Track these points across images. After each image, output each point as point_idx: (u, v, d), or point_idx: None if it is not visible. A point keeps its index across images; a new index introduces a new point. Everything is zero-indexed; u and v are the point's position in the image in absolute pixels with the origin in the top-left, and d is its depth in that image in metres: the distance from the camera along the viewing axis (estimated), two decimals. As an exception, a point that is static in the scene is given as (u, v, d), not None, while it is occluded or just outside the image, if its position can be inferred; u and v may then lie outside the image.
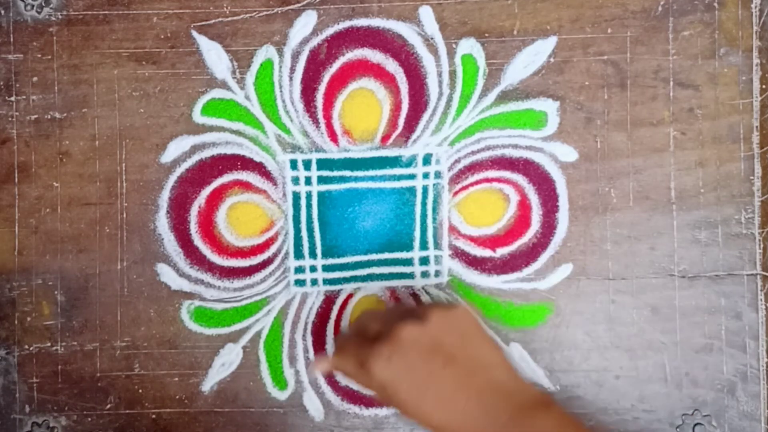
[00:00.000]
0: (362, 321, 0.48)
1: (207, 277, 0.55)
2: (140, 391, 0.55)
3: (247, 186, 0.55)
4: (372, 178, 0.55)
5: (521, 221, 0.55)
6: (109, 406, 0.55)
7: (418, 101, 0.55)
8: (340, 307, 0.55)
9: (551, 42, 0.54)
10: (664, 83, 0.54)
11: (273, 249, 0.55)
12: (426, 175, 0.55)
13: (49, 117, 0.54)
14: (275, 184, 0.55)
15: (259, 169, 0.55)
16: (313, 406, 0.55)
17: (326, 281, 0.55)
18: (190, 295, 0.55)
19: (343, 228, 0.55)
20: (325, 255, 0.55)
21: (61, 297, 0.54)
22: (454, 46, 0.55)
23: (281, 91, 0.55)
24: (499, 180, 0.55)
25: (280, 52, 0.55)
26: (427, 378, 0.42)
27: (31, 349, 0.55)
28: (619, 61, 0.54)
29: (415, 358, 0.43)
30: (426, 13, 0.54)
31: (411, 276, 0.55)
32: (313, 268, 0.55)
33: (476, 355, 0.44)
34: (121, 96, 0.54)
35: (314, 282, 0.55)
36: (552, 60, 0.55)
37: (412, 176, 0.55)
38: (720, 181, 0.54)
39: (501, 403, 0.42)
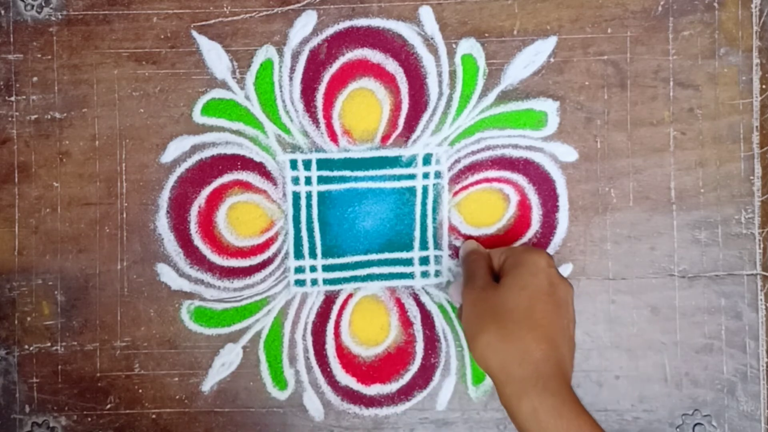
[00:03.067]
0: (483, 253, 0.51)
1: (207, 277, 0.55)
2: (140, 391, 0.55)
3: (247, 186, 0.55)
4: (372, 178, 0.55)
5: (521, 221, 0.55)
6: (109, 406, 0.55)
7: (418, 101, 0.55)
8: (340, 307, 0.55)
9: (551, 42, 0.54)
10: (664, 83, 0.54)
11: (273, 249, 0.55)
12: (426, 175, 0.55)
13: (49, 117, 0.54)
14: (275, 184, 0.55)
15: (259, 169, 0.55)
16: (313, 406, 0.55)
17: (326, 281, 0.55)
18: (190, 295, 0.55)
19: (343, 228, 0.55)
20: (325, 255, 0.55)
21: (61, 297, 0.54)
22: (454, 46, 0.55)
23: (281, 91, 0.55)
24: (499, 180, 0.55)
25: (280, 52, 0.55)
26: (538, 305, 0.45)
27: (31, 349, 0.55)
28: (619, 61, 0.54)
29: (542, 283, 0.45)
30: (426, 13, 0.54)
31: (411, 276, 0.55)
32: (313, 268, 0.55)
33: (568, 321, 0.46)
34: (121, 96, 0.54)
35: (314, 282, 0.55)
36: (552, 60, 0.55)
37: (412, 176, 0.55)
38: (720, 181, 0.54)
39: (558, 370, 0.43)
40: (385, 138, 0.55)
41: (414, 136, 0.55)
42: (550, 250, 0.55)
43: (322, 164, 0.55)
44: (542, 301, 0.45)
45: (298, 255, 0.55)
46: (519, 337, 0.43)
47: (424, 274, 0.55)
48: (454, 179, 0.55)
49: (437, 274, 0.55)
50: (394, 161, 0.55)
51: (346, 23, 0.55)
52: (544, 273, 0.46)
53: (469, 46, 0.55)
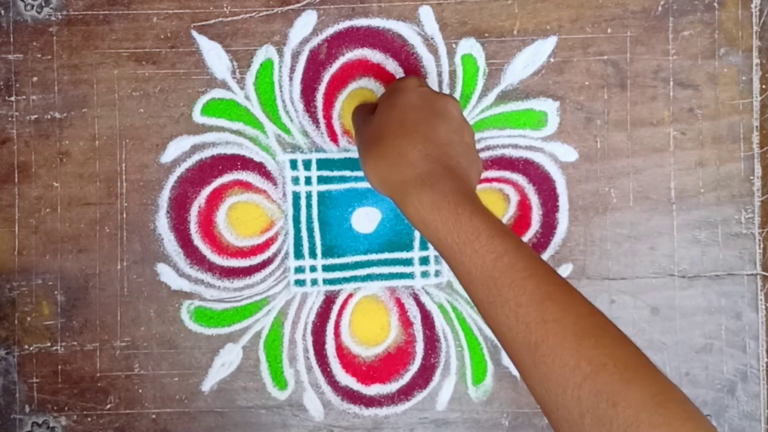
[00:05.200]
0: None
1: (207, 277, 0.55)
2: (140, 391, 0.55)
3: (247, 186, 0.55)
4: (372, 178, 0.55)
5: (521, 221, 0.55)
6: (109, 406, 0.55)
7: (418, 101, 0.55)
8: (340, 307, 0.55)
9: (551, 42, 0.54)
10: (664, 83, 0.54)
11: (273, 249, 0.55)
12: (426, 175, 0.55)
13: (49, 117, 0.54)
14: (275, 184, 0.55)
15: (259, 169, 0.55)
16: (313, 406, 0.55)
17: (326, 281, 0.55)
18: (190, 295, 0.55)
19: (343, 228, 0.55)
20: (325, 255, 0.55)
21: (61, 297, 0.54)
22: (454, 46, 0.55)
23: (281, 91, 0.55)
24: (499, 180, 0.55)
25: (280, 52, 0.55)
26: (415, 115, 0.45)
27: (31, 349, 0.55)
28: (619, 61, 0.54)
29: (412, 98, 0.46)
30: (426, 13, 0.54)
31: (411, 276, 0.55)
32: (313, 268, 0.55)
33: (456, 131, 0.46)
34: (121, 96, 0.54)
35: (314, 282, 0.55)
36: (552, 60, 0.55)
37: (412, 176, 0.55)
38: (720, 181, 0.54)
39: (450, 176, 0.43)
40: (385, 138, 0.55)
41: (414, 136, 0.55)
42: (550, 250, 0.55)
43: (322, 164, 0.55)
44: (414, 112, 0.45)
45: (298, 255, 0.55)
46: (394, 146, 0.44)
47: (424, 274, 0.55)
48: (454, 179, 0.55)
49: (437, 274, 0.55)
50: (394, 161, 0.55)
51: (346, 23, 0.55)
52: (413, 91, 0.46)
53: (469, 46, 0.55)
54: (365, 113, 0.49)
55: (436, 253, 0.55)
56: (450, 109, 0.46)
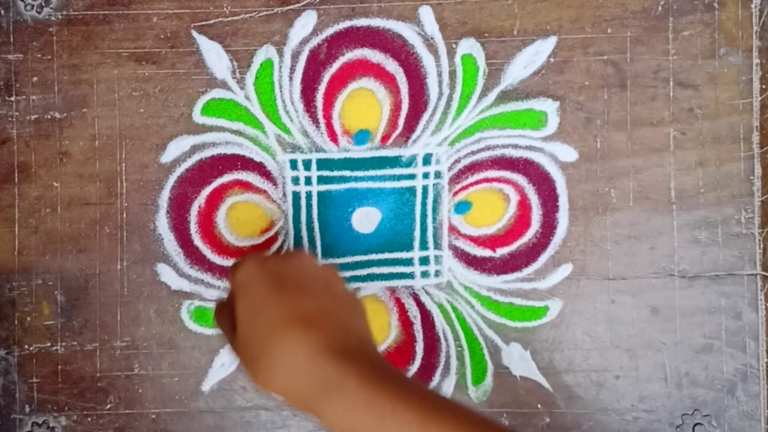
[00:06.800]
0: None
1: (207, 277, 0.55)
2: (140, 391, 0.55)
3: (247, 186, 0.55)
4: (372, 178, 0.55)
5: (521, 221, 0.55)
6: (109, 406, 0.55)
7: (418, 101, 0.55)
8: (340, 307, 0.55)
9: (551, 42, 0.54)
10: (664, 83, 0.54)
11: (273, 249, 0.55)
12: (426, 175, 0.55)
13: (49, 117, 0.54)
14: (275, 184, 0.55)
15: (259, 169, 0.55)
16: (313, 406, 0.55)
17: (326, 281, 0.55)
18: (190, 295, 0.55)
19: (343, 228, 0.55)
20: (325, 255, 0.55)
21: (61, 297, 0.54)
22: (454, 46, 0.55)
23: (281, 91, 0.55)
24: (499, 180, 0.55)
25: (280, 52, 0.55)
26: (267, 309, 0.40)
27: (31, 349, 0.55)
28: (619, 61, 0.54)
29: (259, 292, 0.41)
30: (426, 13, 0.55)
31: (411, 276, 0.55)
32: (313, 268, 0.55)
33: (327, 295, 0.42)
34: (121, 96, 0.54)
35: (314, 282, 0.55)
36: (552, 60, 0.55)
37: (412, 176, 0.55)
38: (720, 181, 0.54)
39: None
40: (385, 138, 0.55)
41: (414, 136, 0.55)
42: (550, 250, 0.55)
43: (322, 164, 0.55)
44: (269, 308, 0.40)
45: (298, 255, 0.55)
46: (272, 360, 0.39)
47: (424, 274, 0.55)
48: (454, 179, 0.55)
49: (437, 274, 0.55)
50: (394, 161, 0.55)
51: (346, 23, 0.55)
52: (254, 282, 0.41)
53: (469, 46, 0.55)
54: (226, 324, 0.43)
55: (436, 253, 0.55)
56: (303, 267, 0.41)
